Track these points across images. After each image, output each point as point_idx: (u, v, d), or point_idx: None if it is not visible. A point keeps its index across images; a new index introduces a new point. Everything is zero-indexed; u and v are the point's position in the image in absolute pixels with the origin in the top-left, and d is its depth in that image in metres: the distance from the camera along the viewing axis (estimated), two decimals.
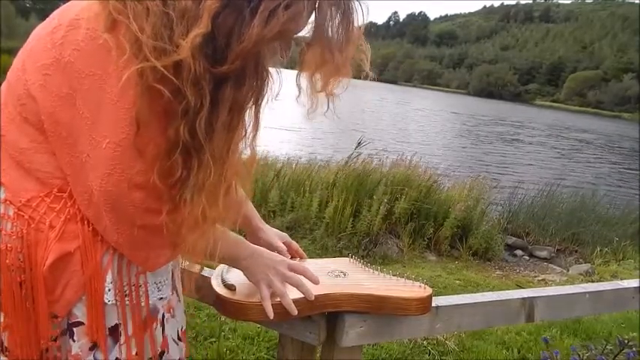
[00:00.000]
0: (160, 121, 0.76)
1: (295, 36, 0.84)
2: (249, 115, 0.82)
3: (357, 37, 0.83)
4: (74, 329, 0.84)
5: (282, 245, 1.18)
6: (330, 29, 0.80)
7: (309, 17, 0.80)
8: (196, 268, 1.17)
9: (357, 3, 0.82)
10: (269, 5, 0.73)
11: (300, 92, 0.85)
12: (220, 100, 0.77)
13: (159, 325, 0.92)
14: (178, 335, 0.97)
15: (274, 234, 1.21)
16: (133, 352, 0.87)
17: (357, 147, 5.75)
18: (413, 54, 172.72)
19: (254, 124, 0.83)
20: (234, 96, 0.77)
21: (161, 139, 0.77)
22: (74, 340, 0.84)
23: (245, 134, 0.83)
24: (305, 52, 0.83)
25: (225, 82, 0.76)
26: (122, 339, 0.86)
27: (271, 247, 1.14)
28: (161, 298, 0.92)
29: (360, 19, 0.82)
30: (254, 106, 0.81)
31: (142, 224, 0.81)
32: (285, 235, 1.24)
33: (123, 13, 0.74)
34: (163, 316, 0.93)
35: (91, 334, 0.83)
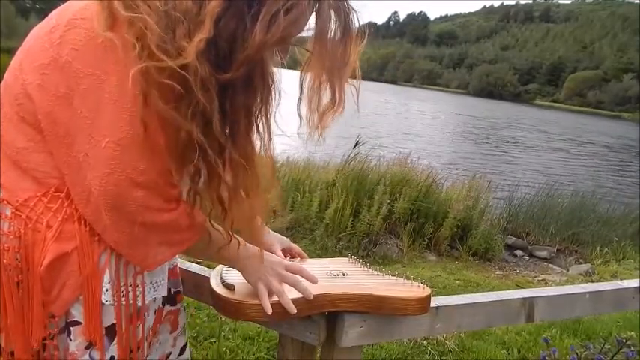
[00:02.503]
0: (162, 122, 0.76)
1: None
2: (261, 121, 0.83)
3: (354, 61, 0.84)
4: (71, 328, 0.84)
5: (281, 254, 1.18)
6: (329, 43, 0.80)
7: (308, 19, 0.80)
8: (195, 267, 1.17)
9: (355, 14, 0.82)
10: (270, 10, 0.73)
11: (301, 122, 0.87)
12: (234, 105, 0.77)
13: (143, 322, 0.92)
14: (147, 334, 0.97)
15: (274, 238, 1.21)
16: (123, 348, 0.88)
17: (355, 147, 5.75)
18: (413, 54, 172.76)
19: (266, 129, 0.83)
20: (245, 101, 0.78)
21: (163, 139, 0.77)
22: (71, 339, 0.84)
23: (261, 140, 0.84)
24: (305, 74, 0.84)
25: (235, 88, 0.77)
26: (117, 338, 0.86)
27: (270, 252, 1.14)
28: (155, 299, 0.93)
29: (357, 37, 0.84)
30: (265, 112, 0.82)
31: (142, 222, 0.81)
32: (286, 239, 1.24)
33: (131, 9, 0.73)
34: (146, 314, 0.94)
35: (88, 334, 0.84)
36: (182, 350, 1.11)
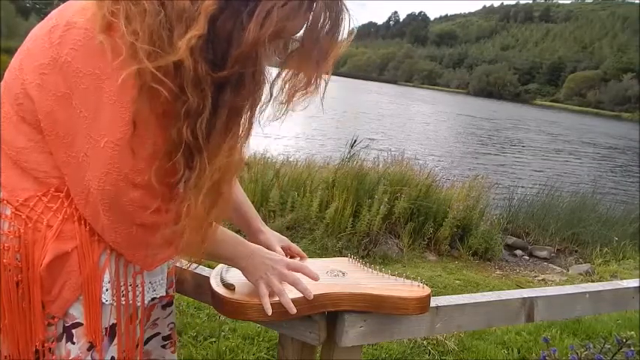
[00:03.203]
0: (159, 122, 0.77)
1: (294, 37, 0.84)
2: (243, 119, 0.82)
3: (336, 54, 0.83)
4: (73, 331, 0.83)
5: (281, 250, 1.18)
6: (318, 37, 0.81)
7: (306, 18, 0.80)
8: (195, 267, 1.17)
9: (347, 15, 0.82)
10: (265, 7, 0.73)
11: (271, 98, 0.85)
12: (220, 103, 0.77)
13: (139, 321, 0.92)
14: None
15: (274, 237, 1.21)
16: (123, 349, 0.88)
17: (352, 146, 5.74)
18: (413, 54, 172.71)
19: (247, 128, 0.83)
20: (232, 100, 0.78)
21: (160, 139, 0.77)
22: (73, 343, 0.83)
23: (240, 138, 0.83)
24: (288, 57, 0.84)
25: (225, 86, 0.77)
26: (117, 338, 0.86)
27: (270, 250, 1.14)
28: (154, 298, 0.93)
29: (345, 33, 0.83)
30: (249, 110, 0.82)
31: (141, 223, 0.81)
32: (284, 238, 1.24)
33: (116, 15, 0.74)
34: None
35: (89, 335, 0.83)
36: (145, 342, 1.09)
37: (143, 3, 0.73)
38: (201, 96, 0.74)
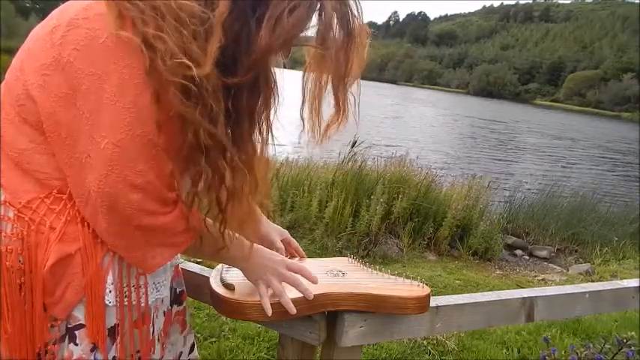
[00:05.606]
0: (172, 125, 0.76)
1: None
2: (262, 123, 0.84)
3: (356, 69, 0.84)
4: (76, 332, 0.83)
5: (281, 245, 1.18)
6: (331, 46, 0.81)
7: (311, 18, 0.80)
8: (195, 267, 1.17)
9: (356, 16, 0.82)
10: (274, 13, 0.74)
11: (304, 126, 0.88)
12: (237, 108, 0.78)
13: (151, 324, 0.92)
14: (158, 336, 0.98)
15: (274, 230, 1.21)
16: (126, 350, 0.87)
17: (352, 146, 5.73)
18: (413, 54, 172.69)
19: (266, 132, 0.84)
20: (249, 105, 0.79)
21: (165, 141, 0.77)
22: (76, 344, 0.83)
23: (261, 142, 0.85)
24: (307, 77, 0.85)
25: (240, 91, 0.78)
26: (119, 338, 0.86)
27: (270, 245, 1.14)
28: (163, 300, 0.93)
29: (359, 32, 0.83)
30: (266, 114, 0.83)
31: (139, 225, 0.81)
32: (285, 231, 1.24)
33: (128, 18, 0.74)
34: (154, 316, 0.94)
35: (92, 336, 0.83)
36: (192, 348, 1.11)
37: (151, 3, 0.73)
38: (213, 100, 0.74)
